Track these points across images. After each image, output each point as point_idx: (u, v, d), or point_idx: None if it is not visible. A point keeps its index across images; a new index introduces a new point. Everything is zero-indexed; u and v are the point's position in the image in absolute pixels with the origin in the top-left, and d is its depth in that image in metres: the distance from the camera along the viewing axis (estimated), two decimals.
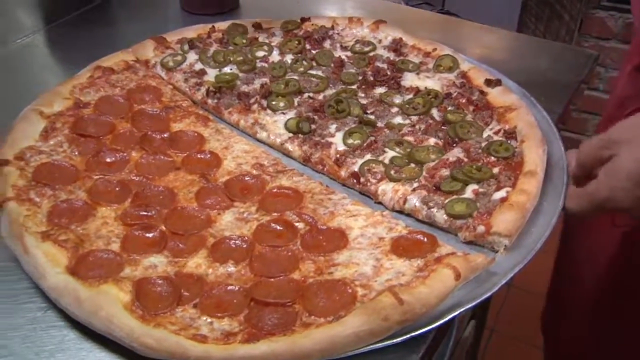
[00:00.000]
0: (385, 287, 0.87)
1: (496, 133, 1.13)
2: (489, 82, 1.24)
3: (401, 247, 0.94)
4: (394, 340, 0.82)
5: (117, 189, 1.06)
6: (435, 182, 1.03)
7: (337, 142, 1.15)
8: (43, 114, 1.19)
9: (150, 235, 0.98)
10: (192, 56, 1.38)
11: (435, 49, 1.35)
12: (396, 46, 1.38)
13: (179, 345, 0.80)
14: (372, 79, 1.30)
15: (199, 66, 1.35)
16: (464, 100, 1.22)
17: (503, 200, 0.98)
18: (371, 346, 0.82)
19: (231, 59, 1.36)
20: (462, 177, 1.02)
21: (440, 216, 0.98)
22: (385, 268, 0.91)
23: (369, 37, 1.43)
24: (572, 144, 1.08)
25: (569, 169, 1.05)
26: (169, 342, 0.80)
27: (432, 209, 0.99)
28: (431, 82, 1.28)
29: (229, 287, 0.89)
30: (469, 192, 1.01)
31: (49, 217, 0.99)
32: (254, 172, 1.12)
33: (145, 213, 1.02)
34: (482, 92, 1.23)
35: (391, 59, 1.36)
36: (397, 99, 1.25)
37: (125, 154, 1.14)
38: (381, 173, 1.07)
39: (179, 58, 1.37)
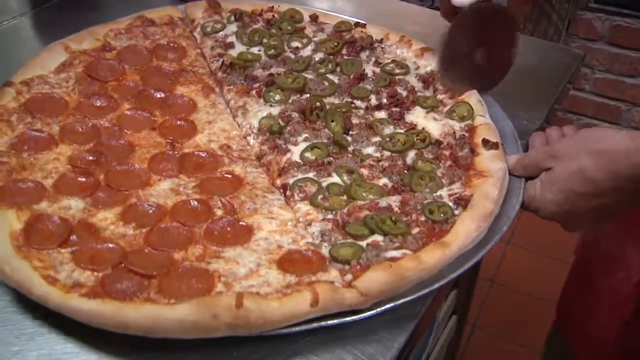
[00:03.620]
0: (244, 290, 0.90)
1: (450, 196, 1.09)
2: (485, 143, 1.18)
3: (288, 261, 0.96)
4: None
5: (87, 131, 1.20)
6: (345, 221, 1.03)
7: (296, 152, 1.18)
8: (68, 49, 1.36)
9: (83, 179, 1.10)
10: (232, 28, 1.48)
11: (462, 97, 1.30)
12: (429, 78, 1.35)
13: (28, 279, 0.90)
14: (382, 101, 1.30)
15: (232, 39, 1.45)
16: (447, 153, 1.18)
17: (392, 259, 0.95)
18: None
19: (265, 40, 1.44)
20: (372, 226, 1.01)
21: (325, 253, 0.98)
22: (257, 275, 0.94)
23: (409, 60, 1.42)
24: None
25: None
26: (20, 274, 0.91)
27: (322, 243, 1.00)
28: (433, 125, 1.25)
29: (110, 245, 0.98)
30: (369, 240, 1.00)
31: (12, 141, 1.15)
32: (218, 152, 1.19)
33: (92, 158, 1.14)
34: (472, 151, 1.17)
35: (416, 89, 1.34)
36: (388, 130, 1.24)
37: (116, 103, 1.27)
38: (309, 193, 1.09)
39: (219, 26, 1.48)
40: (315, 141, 1.21)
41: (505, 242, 3.10)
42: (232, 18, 1.50)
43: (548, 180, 1.07)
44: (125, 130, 1.22)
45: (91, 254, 0.97)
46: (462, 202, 1.07)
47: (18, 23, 1.60)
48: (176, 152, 1.18)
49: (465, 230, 1.00)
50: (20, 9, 1.61)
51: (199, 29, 1.48)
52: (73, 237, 0.99)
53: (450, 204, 1.08)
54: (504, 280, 2.97)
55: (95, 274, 0.93)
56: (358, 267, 0.95)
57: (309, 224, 1.04)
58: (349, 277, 0.94)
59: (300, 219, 1.05)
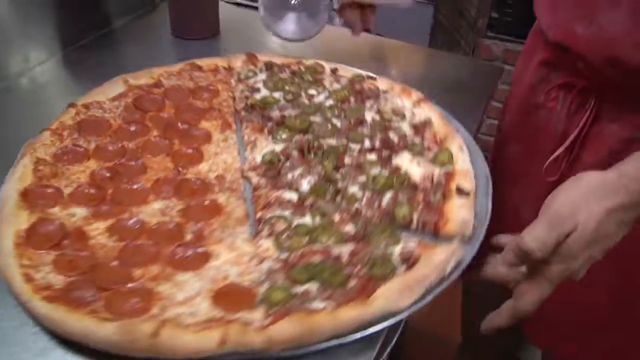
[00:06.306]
0: (175, 316, 0.79)
1: (401, 253, 0.89)
2: (459, 192, 0.99)
3: (224, 293, 0.83)
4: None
5: (115, 151, 1.13)
6: (295, 263, 0.87)
7: (288, 191, 1.04)
8: (127, 82, 1.30)
9: (93, 191, 1.02)
10: (262, 76, 1.37)
11: (445, 140, 1.12)
12: (420, 126, 1.18)
13: (12, 275, 0.84)
14: (375, 145, 1.14)
15: (259, 85, 1.34)
16: (421, 197, 1.00)
17: (312, 311, 0.79)
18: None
19: (286, 87, 1.32)
20: (314, 274, 0.84)
21: (261, 292, 0.83)
22: (190, 304, 0.82)
23: (407, 109, 1.24)
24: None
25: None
26: (10, 270, 0.84)
27: (265, 282, 0.85)
28: (416, 169, 1.07)
29: (82, 253, 0.90)
30: (305, 286, 0.83)
31: (56, 152, 1.10)
32: (213, 181, 1.08)
33: (108, 175, 1.06)
34: (444, 197, 0.99)
35: (407, 135, 1.16)
36: (375, 171, 1.08)
37: (147, 130, 1.19)
38: (274, 230, 0.95)
39: (251, 74, 1.37)
40: (310, 176, 1.06)
41: None
42: (263, 68, 1.39)
43: (568, 248, 0.77)
44: (146, 154, 1.13)
45: (70, 260, 0.88)
46: (410, 260, 0.87)
47: (52, 61, 1.52)
48: (177, 177, 1.08)
49: (390, 294, 0.81)
50: (54, 49, 1.52)
51: (235, 76, 1.38)
52: (65, 242, 0.92)
53: (396, 262, 0.88)
54: None
55: (66, 278, 0.85)
56: (281, 311, 0.80)
57: (262, 261, 0.90)
58: (270, 319, 0.79)
59: (257, 256, 0.92)
